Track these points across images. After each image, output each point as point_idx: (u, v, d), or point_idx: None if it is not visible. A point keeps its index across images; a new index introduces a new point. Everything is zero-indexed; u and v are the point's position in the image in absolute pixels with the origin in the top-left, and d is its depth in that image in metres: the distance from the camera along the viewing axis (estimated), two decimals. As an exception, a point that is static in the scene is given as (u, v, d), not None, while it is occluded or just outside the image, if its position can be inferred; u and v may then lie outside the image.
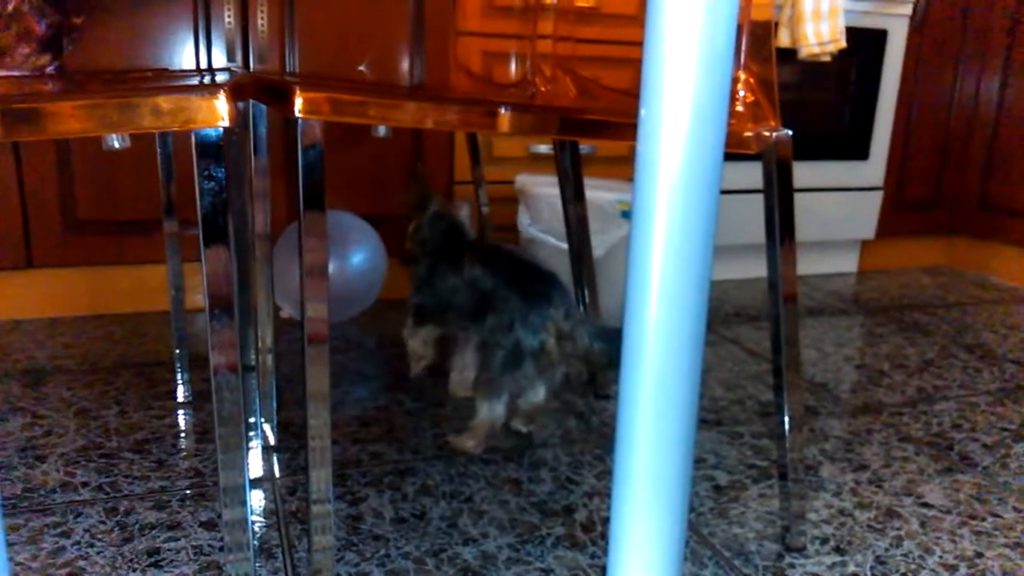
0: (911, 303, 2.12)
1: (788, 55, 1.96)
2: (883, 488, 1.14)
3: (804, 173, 2.17)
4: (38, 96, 0.59)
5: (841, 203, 2.31)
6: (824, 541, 1.01)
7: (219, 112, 0.54)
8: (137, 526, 0.98)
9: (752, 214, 2.03)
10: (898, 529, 1.04)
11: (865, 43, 2.21)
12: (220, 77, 0.88)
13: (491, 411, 1.16)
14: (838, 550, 0.99)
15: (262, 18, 1.69)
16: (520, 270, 1.20)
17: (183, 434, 1.22)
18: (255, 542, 0.95)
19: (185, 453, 1.16)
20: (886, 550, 0.99)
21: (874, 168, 2.33)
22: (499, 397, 1.15)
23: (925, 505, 1.10)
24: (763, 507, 1.08)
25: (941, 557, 0.98)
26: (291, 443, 1.20)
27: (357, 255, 1.66)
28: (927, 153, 2.41)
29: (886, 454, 1.25)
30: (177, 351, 1.37)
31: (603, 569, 0.93)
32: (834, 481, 1.16)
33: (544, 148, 1.95)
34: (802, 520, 1.00)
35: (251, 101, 1.01)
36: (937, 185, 2.45)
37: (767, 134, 0.85)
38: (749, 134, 0.83)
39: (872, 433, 1.32)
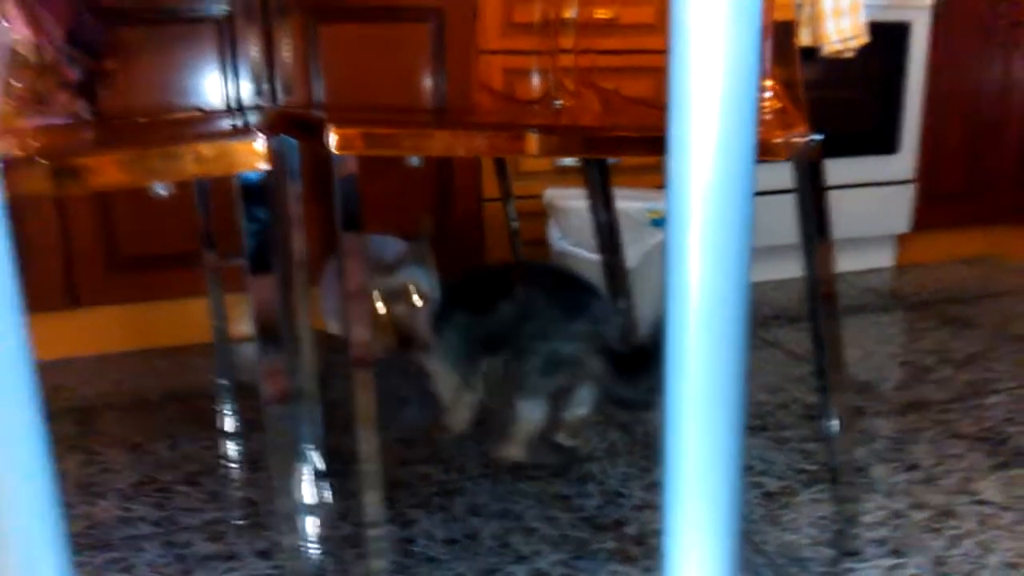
0: (951, 296, 2.09)
1: (810, 53, 1.95)
2: (937, 487, 1.12)
3: (834, 170, 2.15)
4: (84, 150, 0.62)
5: (873, 198, 2.29)
6: (880, 544, 0.99)
7: (259, 155, 0.56)
8: (195, 558, 0.99)
9: (787, 214, 2.02)
10: (956, 528, 1.02)
11: (888, 37, 2.19)
12: (252, 116, 0.90)
13: (530, 414, 1.16)
14: (895, 552, 0.97)
15: (287, 50, 1.72)
16: (560, 284, 1.20)
17: (233, 464, 1.24)
18: (312, 568, 0.96)
19: (237, 483, 1.18)
20: (945, 550, 0.98)
21: (905, 161, 2.30)
22: (536, 400, 1.15)
23: (981, 502, 1.08)
24: (815, 512, 1.07)
25: (1002, 556, 0.96)
26: (340, 468, 1.22)
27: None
28: (958, 143, 2.38)
29: (937, 452, 1.23)
30: (222, 381, 1.40)
31: (656, 581, 0.92)
32: (886, 482, 1.14)
33: (571, 161, 1.95)
34: (856, 523, 0.99)
35: (283, 136, 1.03)
36: (971, 174, 2.41)
37: (796, 140, 0.85)
38: (778, 141, 0.83)
39: (921, 431, 1.30)
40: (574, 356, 1.13)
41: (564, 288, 1.19)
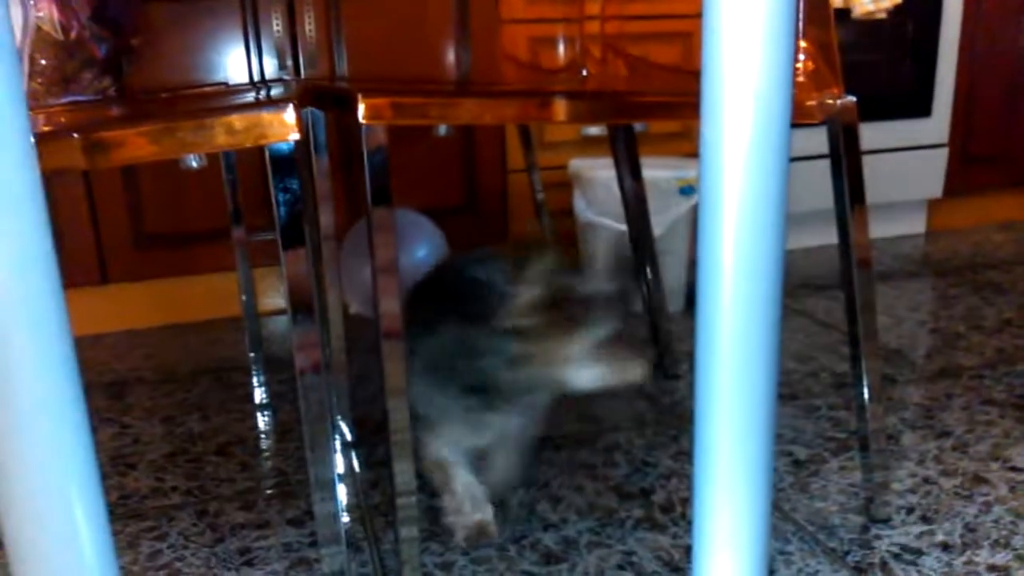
0: (985, 261, 2.05)
1: (842, 15, 1.91)
2: (968, 454, 1.11)
3: (865, 134, 2.11)
4: (114, 124, 0.62)
5: (905, 163, 2.25)
6: (910, 511, 0.99)
7: (289, 126, 0.56)
8: (228, 527, 1.01)
9: (816, 180, 1.99)
10: (986, 495, 1.01)
11: (921, -3, 2.14)
12: (275, 90, 0.90)
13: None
14: (925, 519, 0.97)
15: (310, 24, 1.72)
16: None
17: (264, 435, 1.26)
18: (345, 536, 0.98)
19: (268, 454, 1.20)
20: (975, 517, 0.97)
21: (938, 125, 2.25)
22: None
23: (1013, 469, 1.07)
24: (845, 480, 1.06)
25: (1035, 522, 0.96)
26: (368, 439, 1.23)
27: (419, 250, 1.68)
28: (993, 106, 2.32)
29: (969, 419, 1.22)
30: (252, 355, 1.41)
31: (686, 549, 0.93)
32: (916, 449, 1.13)
33: (596, 130, 1.94)
34: (886, 491, 0.99)
35: (309, 108, 1.03)
36: (1007, 138, 2.36)
37: (831, 102, 0.83)
38: (812, 103, 0.82)
39: (953, 398, 1.29)
40: None
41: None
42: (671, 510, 1.01)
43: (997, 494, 1.02)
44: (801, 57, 0.84)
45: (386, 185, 0.67)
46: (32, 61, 1.18)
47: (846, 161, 0.84)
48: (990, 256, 2.10)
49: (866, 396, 0.93)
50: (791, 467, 1.10)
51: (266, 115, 0.56)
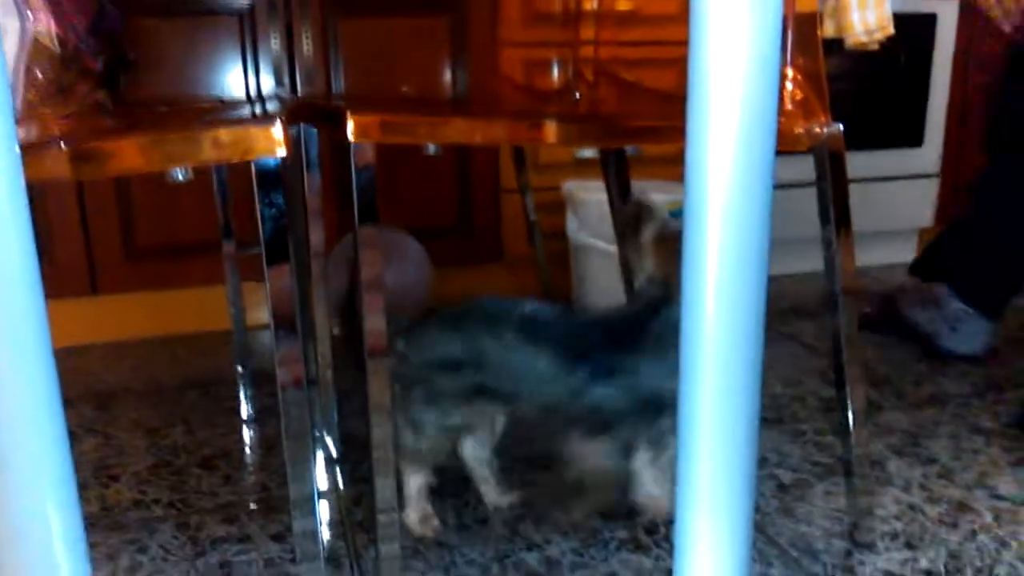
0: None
1: (834, 45, 1.93)
2: (953, 481, 1.12)
3: (857, 163, 2.12)
4: (102, 135, 0.62)
5: (897, 192, 2.26)
6: (894, 537, 0.99)
7: (277, 141, 0.56)
8: (209, 540, 1.00)
9: (808, 207, 2.00)
10: (971, 523, 1.01)
11: (914, 28, 2.17)
12: (270, 105, 0.90)
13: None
14: (909, 545, 0.97)
15: (307, 42, 1.73)
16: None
17: (249, 449, 1.25)
18: (324, 552, 0.97)
19: (251, 468, 1.19)
20: (959, 544, 0.97)
21: (929, 154, 2.27)
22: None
23: (999, 497, 1.07)
24: (829, 505, 1.06)
25: (1018, 551, 0.95)
26: (353, 455, 1.23)
27: (399, 267, 1.68)
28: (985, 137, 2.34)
29: (955, 446, 1.22)
30: (239, 368, 1.41)
31: (668, 572, 0.92)
32: (902, 476, 1.13)
33: (590, 153, 1.94)
34: (870, 516, 0.99)
35: (302, 125, 1.03)
36: (996, 168, 2.38)
37: (818, 130, 0.84)
38: (800, 131, 0.83)
39: (939, 425, 1.29)
40: None
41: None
42: (655, 532, 1.01)
43: (982, 522, 1.02)
44: (789, 86, 0.85)
45: (373, 203, 0.67)
46: (28, 72, 1.18)
47: (832, 189, 0.84)
48: (979, 285, 2.11)
49: (851, 421, 0.93)
50: (776, 491, 1.10)
51: (253, 130, 0.56)
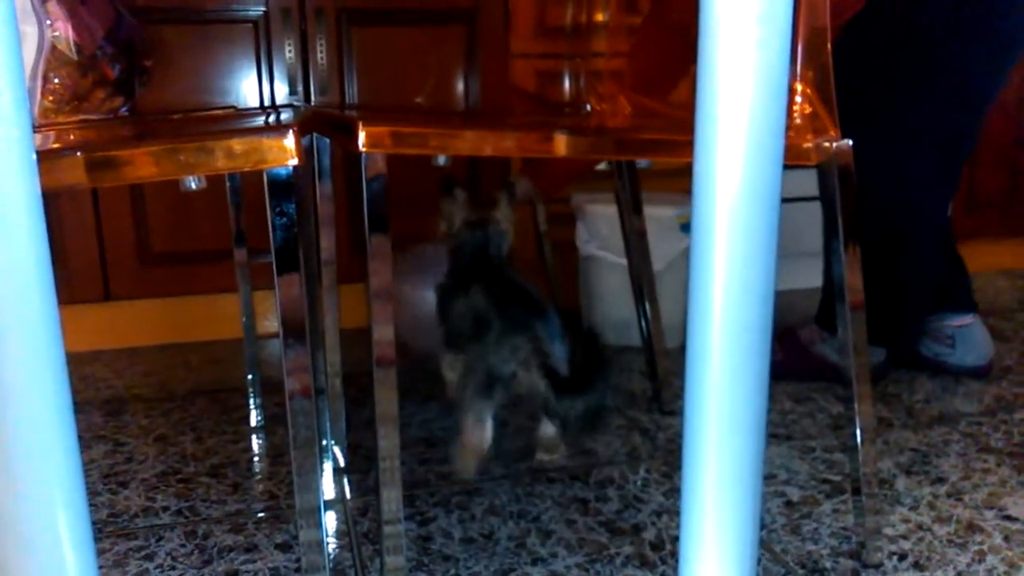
0: (987, 308, 2.05)
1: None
2: (963, 501, 1.11)
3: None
4: (118, 143, 0.63)
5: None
6: (902, 557, 0.98)
7: (289, 151, 0.57)
8: (216, 549, 1.01)
9: (819, 221, 1.99)
10: (980, 544, 1.01)
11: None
12: (284, 115, 0.91)
13: (473, 432, 1.13)
14: (917, 566, 0.96)
15: (321, 51, 1.74)
16: (510, 297, 1.17)
17: (257, 458, 1.26)
18: (329, 563, 0.97)
19: (260, 476, 1.19)
20: (968, 565, 0.96)
21: (941, 171, 2.26)
22: (477, 420, 1.13)
23: (1008, 518, 1.06)
24: (837, 523, 1.06)
25: (1028, 572, 0.95)
26: (361, 465, 1.23)
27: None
28: (999, 151, 2.33)
29: (965, 466, 1.21)
30: (249, 376, 1.42)
31: (674, 587, 0.92)
32: (911, 495, 1.13)
33: (600, 165, 1.95)
34: (878, 536, 0.98)
35: (314, 135, 1.04)
36: (1012, 183, 2.37)
37: (827, 145, 0.84)
38: (808, 146, 0.83)
39: (949, 444, 1.28)
40: (510, 376, 1.10)
41: (514, 300, 1.17)
42: (661, 548, 1.00)
43: (991, 543, 1.01)
44: (798, 100, 0.85)
45: (383, 212, 0.67)
46: (45, 79, 1.20)
47: (841, 204, 0.84)
48: (991, 303, 2.10)
49: (859, 438, 0.92)
50: (784, 508, 1.09)
51: (266, 140, 0.57)
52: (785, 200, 0.46)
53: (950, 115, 1.40)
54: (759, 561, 0.97)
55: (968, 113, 1.42)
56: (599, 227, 1.73)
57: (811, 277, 2.21)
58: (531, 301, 1.17)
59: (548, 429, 1.22)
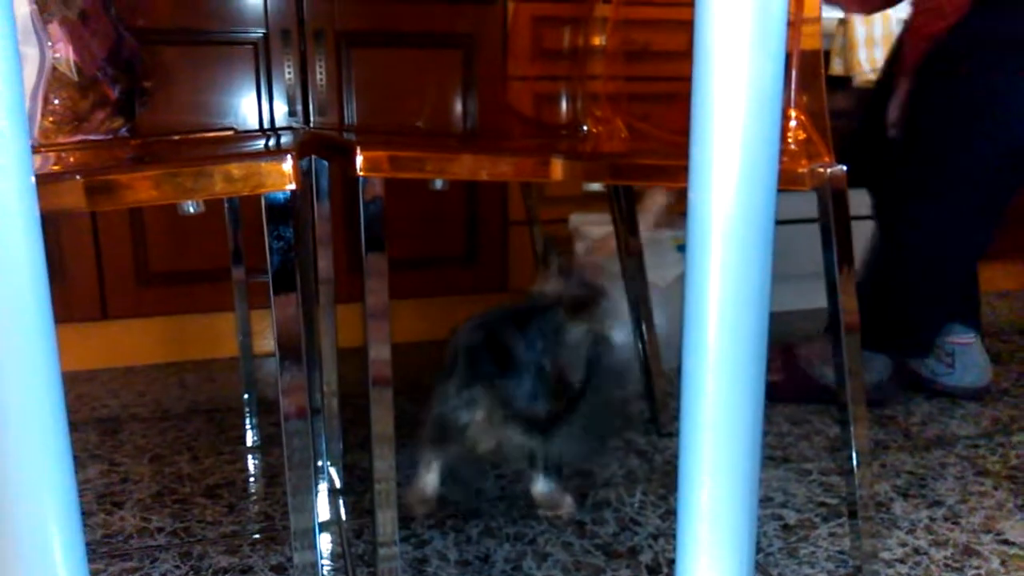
0: (983, 329, 2.05)
1: (843, 83, 1.94)
2: (960, 525, 1.10)
3: (864, 200, 2.14)
4: (116, 167, 0.63)
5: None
6: (899, 581, 0.98)
7: (287, 176, 0.57)
8: (211, 570, 1.00)
9: (816, 243, 2.00)
10: (977, 568, 1.00)
11: (921, 68, 2.18)
12: (284, 138, 0.92)
13: (418, 481, 1.14)
14: (915, 590, 0.96)
15: (321, 73, 1.75)
16: (488, 336, 1.11)
17: (253, 478, 1.25)
18: (324, 586, 0.97)
19: (255, 497, 1.19)
20: (966, 590, 0.96)
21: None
22: (425, 466, 1.13)
23: (1006, 542, 1.06)
24: (834, 546, 1.05)
25: (1025, 597, 0.94)
26: (357, 486, 1.22)
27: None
28: (992, 176, 2.34)
29: (962, 489, 1.21)
30: (246, 396, 1.41)
31: (670, 611, 0.92)
32: (907, 518, 1.12)
33: (597, 186, 1.96)
34: (875, 559, 0.98)
35: (313, 157, 1.05)
36: (1008, 206, 2.38)
37: (821, 170, 0.85)
38: (803, 171, 0.83)
39: (946, 467, 1.28)
40: (463, 425, 1.07)
41: (489, 351, 1.10)
42: (658, 571, 1.00)
43: (988, 567, 1.00)
44: (793, 125, 0.86)
45: (380, 234, 0.68)
46: (46, 100, 1.20)
47: (835, 227, 0.85)
48: (989, 324, 2.11)
49: (855, 461, 0.92)
50: (780, 531, 1.09)
51: (264, 165, 0.57)
52: (780, 222, 0.47)
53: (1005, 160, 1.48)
54: (756, 584, 0.96)
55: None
56: (596, 249, 1.74)
57: (807, 298, 2.22)
58: (508, 356, 1.09)
59: (540, 486, 1.15)
